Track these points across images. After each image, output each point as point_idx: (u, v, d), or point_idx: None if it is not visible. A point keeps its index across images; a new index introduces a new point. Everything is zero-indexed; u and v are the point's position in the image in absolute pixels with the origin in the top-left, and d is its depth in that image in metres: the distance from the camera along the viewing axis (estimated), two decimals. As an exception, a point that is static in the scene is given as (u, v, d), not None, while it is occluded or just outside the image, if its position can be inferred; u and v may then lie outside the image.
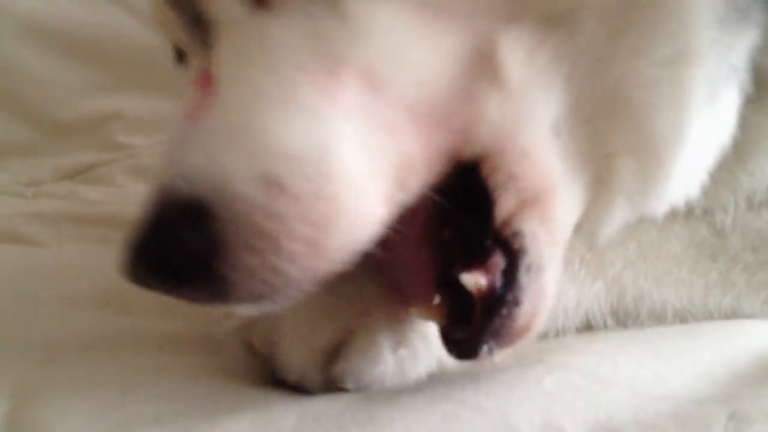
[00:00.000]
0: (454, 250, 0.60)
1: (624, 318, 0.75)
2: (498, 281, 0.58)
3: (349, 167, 0.54)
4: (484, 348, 0.58)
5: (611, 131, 0.63)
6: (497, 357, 0.59)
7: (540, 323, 0.61)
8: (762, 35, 0.67)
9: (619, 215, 0.67)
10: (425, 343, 0.64)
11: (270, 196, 0.52)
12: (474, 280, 0.58)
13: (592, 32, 0.60)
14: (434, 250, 0.61)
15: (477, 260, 0.58)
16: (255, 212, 0.52)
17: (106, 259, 0.96)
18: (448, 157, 0.58)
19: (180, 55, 0.71)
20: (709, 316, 0.76)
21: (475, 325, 0.58)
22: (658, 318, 0.75)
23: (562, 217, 0.62)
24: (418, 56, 0.57)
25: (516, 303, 0.58)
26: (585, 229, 0.67)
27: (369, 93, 0.56)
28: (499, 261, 0.59)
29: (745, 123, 0.70)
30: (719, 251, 0.78)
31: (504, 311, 0.58)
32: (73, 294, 0.85)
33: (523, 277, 0.59)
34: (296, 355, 0.63)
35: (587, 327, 0.74)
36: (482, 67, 0.58)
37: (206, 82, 0.59)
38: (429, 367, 0.63)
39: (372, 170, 0.55)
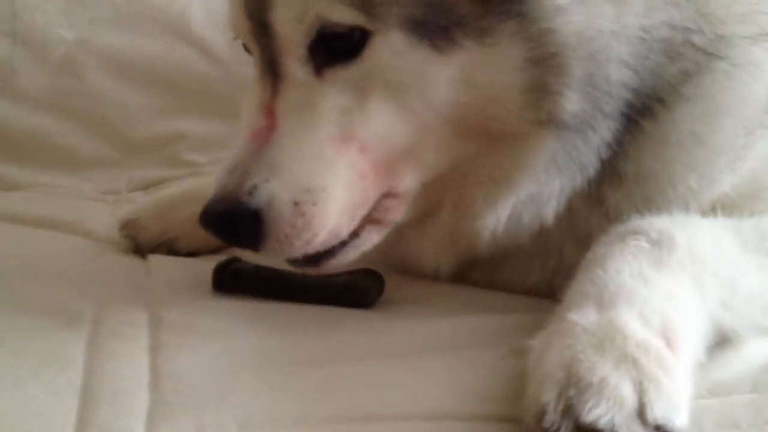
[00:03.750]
0: None
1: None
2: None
3: (336, 201, 0.90)
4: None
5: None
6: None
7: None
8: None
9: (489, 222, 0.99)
10: None
11: (294, 214, 0.89)
12: None
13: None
14: None
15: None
16: (285, 223, 0.89)
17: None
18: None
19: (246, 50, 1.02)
20: None
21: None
22: None
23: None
24: (388, 135, 0.91)
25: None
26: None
27: (360, 154, 0.90)
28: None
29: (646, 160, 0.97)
30: None
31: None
32: (174, 281, 1.10)
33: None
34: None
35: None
36: (414, 146, 0.93)
37: (269, 114, 0.92)
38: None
39: (347, 203, 0.91)
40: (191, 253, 1.23)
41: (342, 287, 1.02)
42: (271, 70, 0.94)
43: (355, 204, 0.92)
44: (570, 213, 1.01)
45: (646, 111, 0.95)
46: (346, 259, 0.97)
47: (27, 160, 1.68)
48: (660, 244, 0.85)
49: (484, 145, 0.94)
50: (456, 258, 1.06)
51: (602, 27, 0.91)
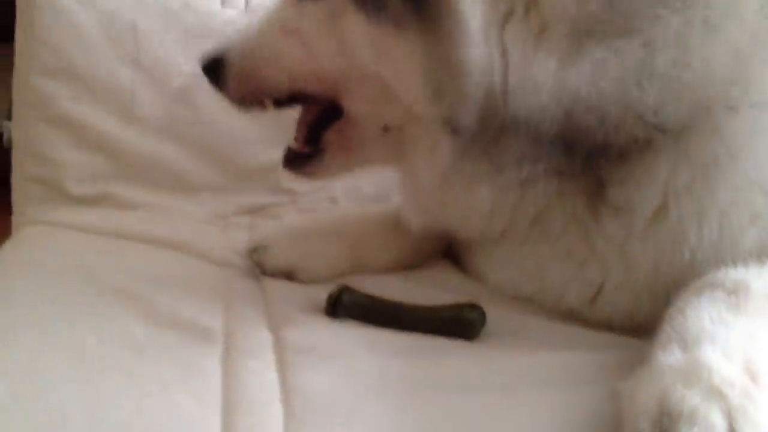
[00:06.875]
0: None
1: None
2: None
3: (274, 62, 1.23)
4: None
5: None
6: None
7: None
8: None
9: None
10: None
11: (244, 66, 1.25)
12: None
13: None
14: None
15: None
16: (237, 67, 1.26)
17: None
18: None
19: None
20: None
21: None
22: None
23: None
24: (320, 48, 1.18)
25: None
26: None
27: (302, 46, 1.20)
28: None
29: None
30: None
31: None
32: (290, 304, 1.16)
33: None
34: None
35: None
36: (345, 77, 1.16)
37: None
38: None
39: (288, 65, 1.22)
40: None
41: (448, 319, 1.09)
42: None
43: (298, 75, 1.20)
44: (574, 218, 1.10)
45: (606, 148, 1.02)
46: (319, 172, 1.31)
47: (143, 182, 1.77)
48: (736, 292, 0.90)
49: (405, 119, 1.11)
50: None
51: (513, 65, 0.99)
